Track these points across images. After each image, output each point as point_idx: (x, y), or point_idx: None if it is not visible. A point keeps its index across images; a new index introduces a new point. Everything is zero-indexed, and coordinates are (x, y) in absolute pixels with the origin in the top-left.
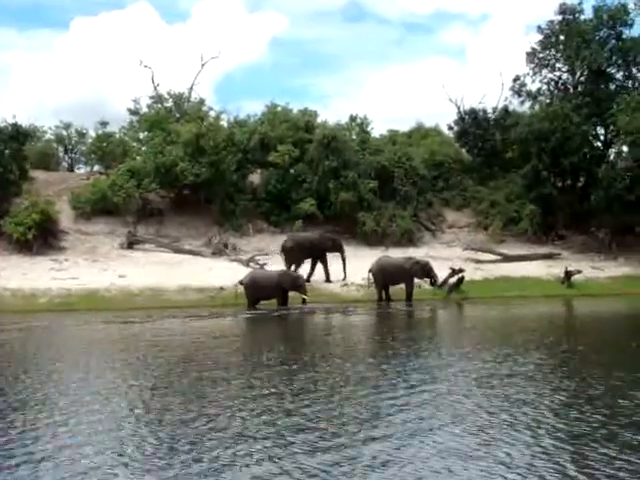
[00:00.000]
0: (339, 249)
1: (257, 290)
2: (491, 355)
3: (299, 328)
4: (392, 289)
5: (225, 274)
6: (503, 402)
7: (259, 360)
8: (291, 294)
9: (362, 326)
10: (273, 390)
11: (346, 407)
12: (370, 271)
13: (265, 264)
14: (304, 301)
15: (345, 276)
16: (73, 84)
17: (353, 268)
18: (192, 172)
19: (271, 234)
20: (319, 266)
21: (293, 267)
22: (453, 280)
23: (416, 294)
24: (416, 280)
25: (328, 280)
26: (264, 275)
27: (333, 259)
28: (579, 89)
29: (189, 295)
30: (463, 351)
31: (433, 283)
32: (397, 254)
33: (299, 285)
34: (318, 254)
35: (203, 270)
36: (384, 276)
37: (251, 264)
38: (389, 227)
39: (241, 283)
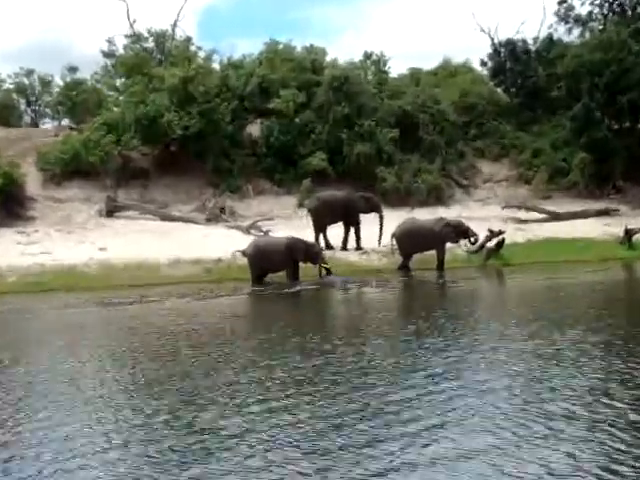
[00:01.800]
0: (376, 209)
1: (262, 261)
2: (552, 340)
3: (321, 308)
4: (418, 257)
5: (222, 243)
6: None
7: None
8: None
9: (395, 304)
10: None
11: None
12: (393, 236)
13: (269, 231)
14: (328, 271)
15: (380, 240)
16: (34, 23)
17: (372, 233)
18: (180, 124)
19: (275, 195)
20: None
21: (317, 234)
22: (491, 244)
23: (448, 261)
24: (448, 244)
25: (345, 248)
26: (270, 243)
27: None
28: (638, 11)
29: (182, 269)
30: (522, 334)
31: (473, 243)
32: (424, 215)
33: (314, 254)
34: (350, 216)
35: (196, 239)
36: (410, 242)
37: (252, 231)
38: (414, 184)
39: (243, 254)
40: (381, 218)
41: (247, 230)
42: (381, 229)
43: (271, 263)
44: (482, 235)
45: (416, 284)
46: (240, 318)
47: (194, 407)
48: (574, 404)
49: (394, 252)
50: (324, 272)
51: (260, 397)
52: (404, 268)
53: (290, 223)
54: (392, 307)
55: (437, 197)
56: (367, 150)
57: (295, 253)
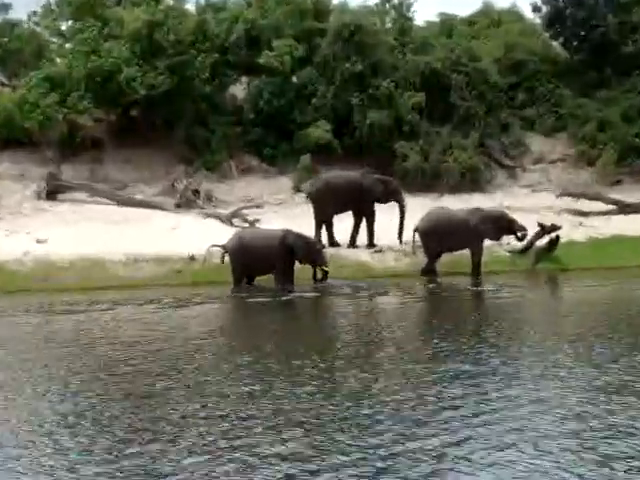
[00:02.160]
0: (395, 196)
1: (248, 259)
2: None
3: (322, 325)
4: (448, 257)
5: (196, 236)
6: None
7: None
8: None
9: (417, 320)
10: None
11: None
12: (416, 230)
13: (257, 221)
14: (325, 275)
15: (401, 237)
16: None
17: (390, 227)
18: (143, 82)
19: (264, 176)
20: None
21: (319, 226)
22: (542, 243)
23: (486, 264)
24: (486, 242)
25: (353, 245)
26: (259, 236)
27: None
28: None
29: (143, 269)
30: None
31: (520, 239)
32: (456, 205)
33: (316, 253)
34: (362, 204)
35: (163, 231)
36: (438, 238)
37: (235, 221)
38: (443, 163)
39: (223, 249)
40: (402, 208)
41: (228, 220)
42: (402, 222)
43: (260, 262)
44: (531, 231)
45: (445, 293)
46: (216, 337)
47: None
48: None
49: (416, 251)
50: (319, 275)
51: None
52: (429, 272)
53: (284, 212)
54: (414, 325)
55: (473, 181)
56: (384, 119)
57: (292, 250)
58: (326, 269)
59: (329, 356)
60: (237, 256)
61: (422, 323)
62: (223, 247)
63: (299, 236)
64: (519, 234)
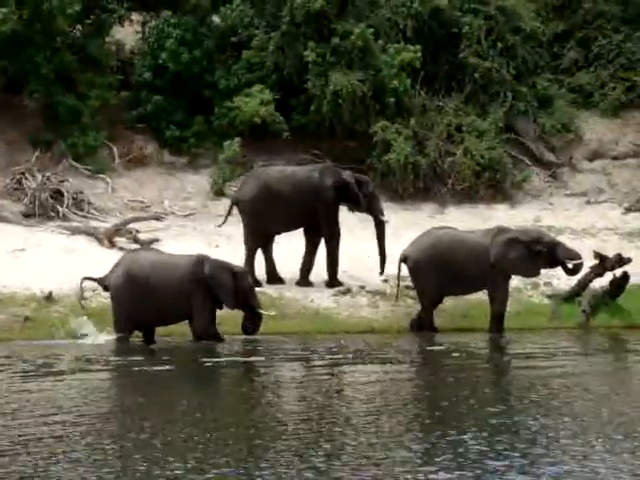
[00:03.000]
0: (370, 205)
1: (142, 300)
2: None
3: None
4: (452, 302)
5: (56, 264)
6: None
7: None
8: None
9: (404, 421)
10: None
11: None
12: (403, 261)
13: (154, 240)
14: (259, 322)
15: (382, 268)
16: None
17: (359, 251)
18: None
19: (166, 170)
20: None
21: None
22: (600, 284)
23: (512, 315)
24: (513, 280)
25: (305, 281)
26: (161, 264)
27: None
28: None
29: None
30: None
31: (572, 272)
32: (467, 222)
33: (247, 291)
34: (319, 216)
35: (4, 255)
36: (439, 273)
37: (120, 241)
38: (448, 157)
39: (104, 286)
40: (379, 224)
41: (108, 238)
42: (381, 246)
43: (161, 306)
44: (583, 267)
45: (449, 366)
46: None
47: None
48: None
49: (399, 292)
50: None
51: None
52: (425, 325)
53: (197, 227)
54: (398, 429)
55: (493, 185)
56: (355, 86)
57: (212, 286)
58: (265, 312)
59: None
60: (123, 296)
61: (408, 421)
62: (101, 282)
63: (221, 264)
64: (569, 264)
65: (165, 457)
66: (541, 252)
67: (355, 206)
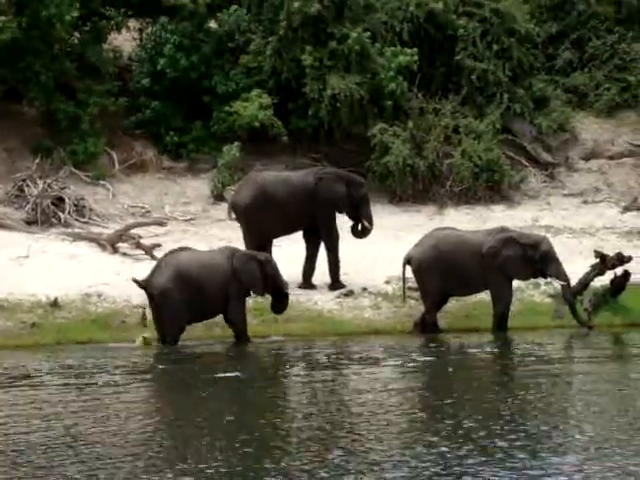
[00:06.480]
0: (358, 209)
1: (190, 297)
2: None
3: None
4: (454, 304)
5: (60, 270)
6: None
7: None
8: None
9: (413, 420)
10: None
11: None
12: (407, 263)
13: (156, 246)
14: (284, 300)
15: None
16: None
17: (361, 256)
18: None
19: (166, 175)
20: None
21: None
22: (600, 284)
23: (515, 314)
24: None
25: (307, 284)
26: (197, 260)
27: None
28: None
29: None
30: None
31: (581, 290)
32: (467, 223)
33: (279, 278)
34: (320, 221)
35: (6, 262)
36: (441, 274)
37: (122, 246)
38: (446, 158)
39: (142, 287)
40: (363, 231)
41: (110, 244)
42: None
43: (204, 300)
44: (583, 265)
45: (454, 365)
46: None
47: None
48: None
49: (405, 294)
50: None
51: None
52: (428, 326)
53: (199, 231)
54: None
55: (492, 186)
56: (353, 89)
57: (242, 277)
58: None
59: None
60: (174, 293)
61: (417, 423)
62: (143, 285)
63: (246, 255)
64: (555, 282)
65: None
66: (534, 259)
67: (351, 211)
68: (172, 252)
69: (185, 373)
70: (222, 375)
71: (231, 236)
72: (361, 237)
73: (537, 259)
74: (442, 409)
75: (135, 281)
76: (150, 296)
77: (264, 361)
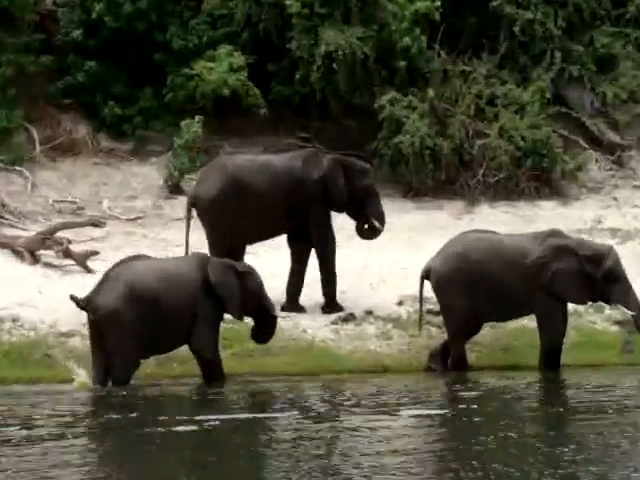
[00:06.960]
0: (363, 205)
1: (148, 321)
2: None
3: None
4: (488, 331)
5: None
6: None
7: None
8: None
9: None
10: None
11: None
12: (427, 277)
13: (93, 254)
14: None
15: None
16: None
17: (364, 268)
18: None
19: (104, 159)
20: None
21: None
22: None
23: (569, 346)
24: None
25: (293, 305)
26: (158, 272)
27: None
28: None
29: None
30: None
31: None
32: (506, 225)
33: (262, 295)
34: (309, 218)
35: None
36: (471, 291)
37: (45, 254)
38: (478, 139)
39: (81, 307)
40: (372, 231)
41: (29, 251)
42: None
43: (164, 321)
44: None
45: (489, 417)
46: None
47: None
48: None
49: (423, 318)
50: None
51: None
52: (454, 360)
53: (148, 234)
54: None
55: (539, 176)
56: (353, 45)
57: (223, 294)
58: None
59: None
60: (124, 316)
61: None
62: (83, 305)
63: (220, 263)
64: (621, 309)
65: None
66: (595, 278)
67: (335, 206)
68: (123, 261)
69: (136, 426)
70: (181, 429)
71: (191, 241)
72: (370, 238)
73: (599, 278)
74: None
75: (73, 299)
76: (93, 320)
77: (232, 409)
